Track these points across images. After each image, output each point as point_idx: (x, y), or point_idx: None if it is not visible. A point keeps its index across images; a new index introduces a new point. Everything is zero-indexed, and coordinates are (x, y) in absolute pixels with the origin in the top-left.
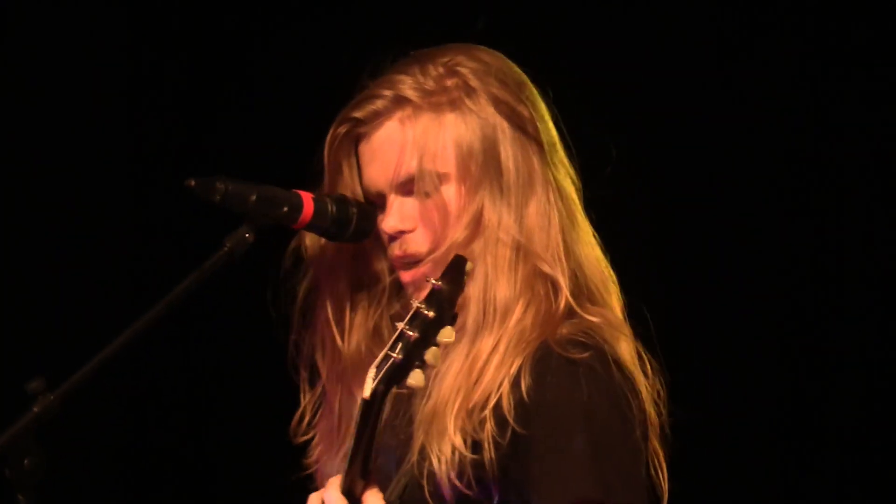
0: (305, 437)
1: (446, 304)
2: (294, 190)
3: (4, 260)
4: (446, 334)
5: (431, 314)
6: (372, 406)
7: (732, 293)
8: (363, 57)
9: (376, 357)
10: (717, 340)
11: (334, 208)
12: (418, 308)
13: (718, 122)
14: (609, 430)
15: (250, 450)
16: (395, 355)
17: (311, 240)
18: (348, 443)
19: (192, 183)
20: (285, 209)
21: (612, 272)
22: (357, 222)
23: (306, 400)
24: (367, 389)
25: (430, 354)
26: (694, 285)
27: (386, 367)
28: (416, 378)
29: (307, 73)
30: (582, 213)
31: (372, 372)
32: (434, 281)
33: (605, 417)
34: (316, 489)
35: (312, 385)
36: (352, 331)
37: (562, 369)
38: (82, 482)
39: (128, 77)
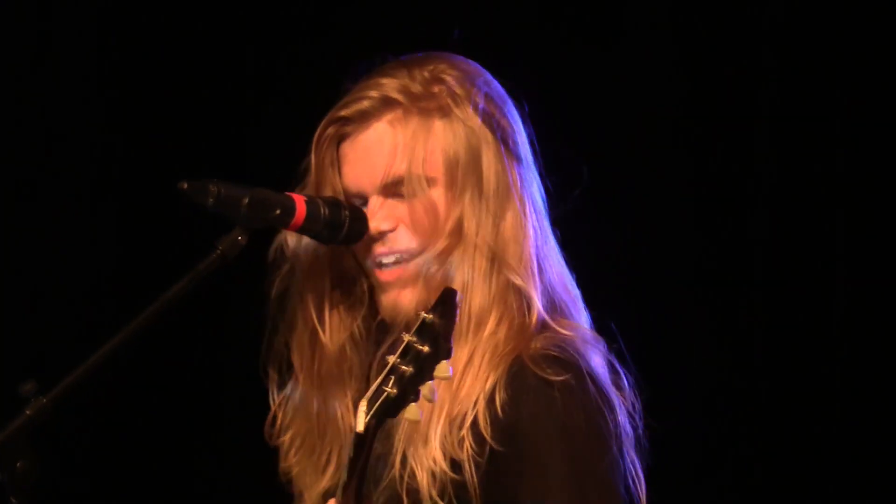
0: (282, 439)
1: (441, 339)
2: (286, 192)
3: None
4: (443, 369)
5: (426, 349)
6: (365, 440)
7: (698, 305)
8: (352, 59)
9: (357, 362)
10: (683, 353)
11: (327, 211)
12: (410, 342)
13: (681, 136)
14: (586, 448)
15: (246, 453)
16: (388, 389)
17: (292, 240)
18: (341, 474)
19: (185, 186)
20: (278, 212)
21: (577, 290)
22: (350, 225)
23: (276, 403)
24: (360, 424)
25: (427, 389)
26: (657, 301)
27: (379, 402)
28: (411, 413)
29: (301, 74)
30: (549, 230)
31: (363, 405)
32: (425, 314)
33: (582, 435)
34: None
35: (281, 388)
36: (333, 332)
37: (537, 387)
38: (74, 485)
39: (122, 78)
